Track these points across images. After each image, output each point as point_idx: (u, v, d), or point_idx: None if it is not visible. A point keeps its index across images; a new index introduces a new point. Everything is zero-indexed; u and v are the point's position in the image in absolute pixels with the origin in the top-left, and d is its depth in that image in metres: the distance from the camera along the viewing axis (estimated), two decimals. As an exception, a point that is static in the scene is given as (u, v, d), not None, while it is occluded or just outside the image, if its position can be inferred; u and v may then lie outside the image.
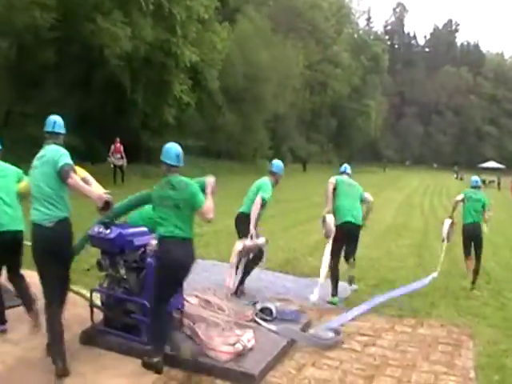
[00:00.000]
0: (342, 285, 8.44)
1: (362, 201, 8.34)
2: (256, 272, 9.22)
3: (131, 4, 24.00)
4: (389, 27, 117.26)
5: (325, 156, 68.13)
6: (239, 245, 7.37)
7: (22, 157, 21.31)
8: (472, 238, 9.53)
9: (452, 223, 9.91)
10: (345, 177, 8.53)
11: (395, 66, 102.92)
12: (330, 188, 8.16)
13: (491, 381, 5.46)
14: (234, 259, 7.40)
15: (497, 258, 12.54)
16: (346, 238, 8.05)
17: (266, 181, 8.36)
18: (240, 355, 5.30)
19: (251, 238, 7.42)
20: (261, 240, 7.66)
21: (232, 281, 7.38)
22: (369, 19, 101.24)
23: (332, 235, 7.87)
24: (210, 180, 5.46)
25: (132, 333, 5.55)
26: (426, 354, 6.01)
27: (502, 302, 8.50)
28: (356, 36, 77.92)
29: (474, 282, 9.31)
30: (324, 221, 7.98)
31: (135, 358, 5.33)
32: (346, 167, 8.81)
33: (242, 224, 7.73)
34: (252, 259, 7.88)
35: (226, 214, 16.54)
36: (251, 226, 7.46)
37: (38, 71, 23.05)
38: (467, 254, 9.62)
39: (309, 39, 59.30)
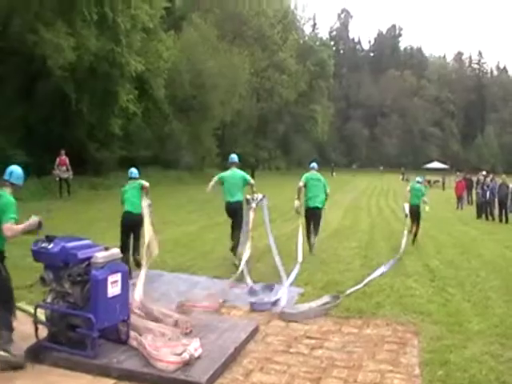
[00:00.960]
0: (291, 290, 8.62)
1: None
2: (204, 280, 9.30)
3: (74, 14, 23.68)
4: (334, 33, 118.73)
5: (273, 162, 68.41)
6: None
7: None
8: (414, 213, 14.82)
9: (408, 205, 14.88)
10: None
11: (341, 71, 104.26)
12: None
13: (436, 376, 5.58)
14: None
15: (440, 256, 12.87)
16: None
17: (240, 171, 11.22)
18: (187, 364, 5.33)
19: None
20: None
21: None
22: (314, 25, 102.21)
23: None
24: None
25: (78, 347, 5.52)
26: (372, 353, 6.14)
27: (445, 298, 8.69)
28: (302, 42, 78.29)
29: (414, 240, 14.49)
30: None
31: (82, 373, 5.32)
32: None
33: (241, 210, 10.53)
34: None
35: (173, 223, 16.65)
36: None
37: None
38: (412, 222, 14.80)
39: (255, 46, 59.44)
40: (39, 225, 5.69)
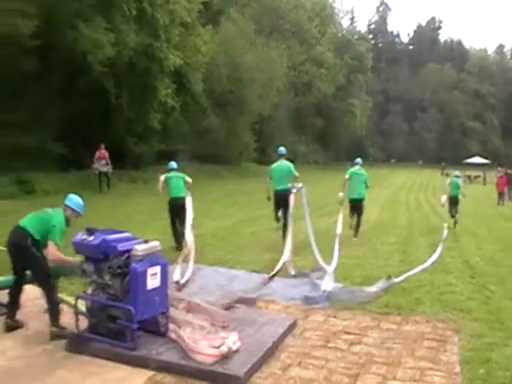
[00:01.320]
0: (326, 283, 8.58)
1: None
2: (242, 274, 9.33)
3: (114, 10, 23.94)
4: (372, 26, 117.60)
5: (311, 156, 68.13)
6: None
7: (8, 165, 21.39)
8: (453, 201, 16.46)
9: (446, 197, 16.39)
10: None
11: (379, 64, 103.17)
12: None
13: (476, 375, 5.47)
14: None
15: (481, 252, 12.60)
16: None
17: (287, 162, 12.34)
18: (225, 357, 5.33)
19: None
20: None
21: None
22: (352, 19, 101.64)
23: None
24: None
25: (117, 338, 5.58)
26: (411, 350, 6.04)
27: (486, 295, 8.51)
28: (340, 35, 77.88)
29: (454, 224, 16.22)
30: None
31: (121, 364, 5.38)
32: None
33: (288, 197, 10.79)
34: None
35: (211, 217, 16.72)
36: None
37: (20, 80, 22.94)
38: (451, 208, 16.53)
39: (293, 40, 59.29)
40: (79, 267, 5.97)
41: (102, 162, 23.43)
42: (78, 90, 25.46)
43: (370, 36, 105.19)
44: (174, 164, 12.19)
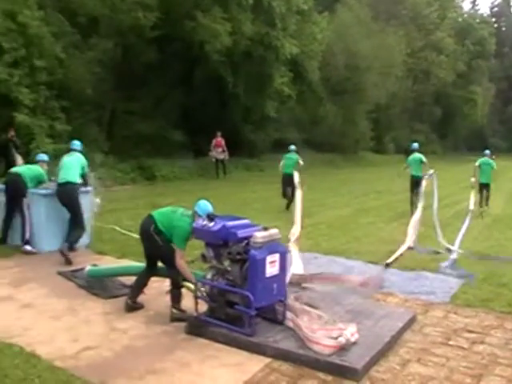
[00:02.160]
0: (446, 279, 8.28)
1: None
2: (359, 264, 9.19)
3: (230, -1, 24.29)
4: (495, 9, 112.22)
5: (429, 146, 66.19)
6: None
7: (130, 152, 22.37)
8: None
9: None
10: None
11: (503, 49, 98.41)
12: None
13: None
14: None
15: None
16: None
17: (419, 154, 15.91)
18: (343, 349, 5.24)
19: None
20: None
21: None
22: (474, 2, 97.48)
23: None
24: None
25: (235, 324, 5.63)
26: (539, 353, 5.71)
27: None
28: (460, 20, 75.02)
29: None
30: None
31: (238, 349, 5.43)
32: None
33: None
34: None
35: (327, 206, 16.64)
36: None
37: (141, 70, 23.79)
38: None
39: (410, 26, 57.75)
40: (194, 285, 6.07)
41: (218, 149, 23.89)
42: (195, 79, 26.08)
43: (493, 19, 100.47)
44: (292, 147, 16.32)
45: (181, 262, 6.08)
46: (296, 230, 9.75)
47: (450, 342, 5.91)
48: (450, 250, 10.21)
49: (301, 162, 15.52)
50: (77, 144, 9.86)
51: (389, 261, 9.17)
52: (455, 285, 8.12)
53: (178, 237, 6.11)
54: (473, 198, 15.14)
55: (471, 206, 14.31)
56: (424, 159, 15.62)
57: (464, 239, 11.13)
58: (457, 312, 6.93)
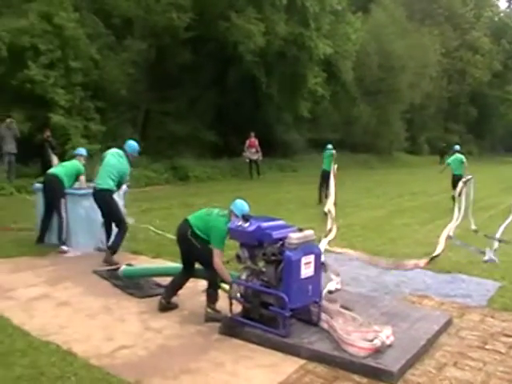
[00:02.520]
0: (486, 283, 8.17)
1: None
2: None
3: (264, 0, 24.28)
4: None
5: (464, 147, 65.23)
6: None
7: (163, 152, 22.59)
8: None
9: None
10: None
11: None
12: None
13: None
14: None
15: None
16: None
17: (460, 155, 17.36)
18: (378, 351, 5.19)
19: None
20: None
21: None
22: (510, 1, 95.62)
23: None
24: None
25: (269, 325, 5.61)
26: None
27: None
28: (496, 19, 73.92)
29: None
30: None
31: (273, 350, 5.41)
32: None
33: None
34: None
35: (361, 207, 16.53)
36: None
37: (175, 71, 23.96)
38: None
39: (446, 25, 57.19)
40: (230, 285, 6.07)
41: (252, 149, 23.94)
42: (229, 79, 26.17)
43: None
44: (329, 145, 17.72)
45: (218, 261, 6.06)
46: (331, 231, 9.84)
47: (487, 346, 5.80)
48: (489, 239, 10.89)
49: (335, 154, 17.38)
50: (130, 145, 9.24)
51: (431, 256, 9.44)
52: (492, 288, 7.98)
53: (215, 237, 6.10)
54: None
55: None
56: (464, 160, 17.10)
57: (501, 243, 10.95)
58: (494, 316, 6.80)
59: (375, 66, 38.55)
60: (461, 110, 62.40)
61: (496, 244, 10.42)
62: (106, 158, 9.02)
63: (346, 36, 31.46)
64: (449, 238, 10.53)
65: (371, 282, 8.01)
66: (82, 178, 9.86)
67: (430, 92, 48.92)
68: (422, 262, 9.18)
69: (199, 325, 6.12)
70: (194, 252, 6.31)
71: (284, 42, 25.54)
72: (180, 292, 6.68)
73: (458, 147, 18.51)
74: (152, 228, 11.42)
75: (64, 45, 18.90)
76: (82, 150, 10.38)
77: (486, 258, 9.53)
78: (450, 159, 17.86)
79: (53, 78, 18.26)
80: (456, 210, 11.60)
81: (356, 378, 4.92)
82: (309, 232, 5.83)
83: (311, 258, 5.66)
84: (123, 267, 7.65)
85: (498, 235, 11.16)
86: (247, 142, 24.03)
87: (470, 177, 12.54)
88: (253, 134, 24.04)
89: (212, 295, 6.25)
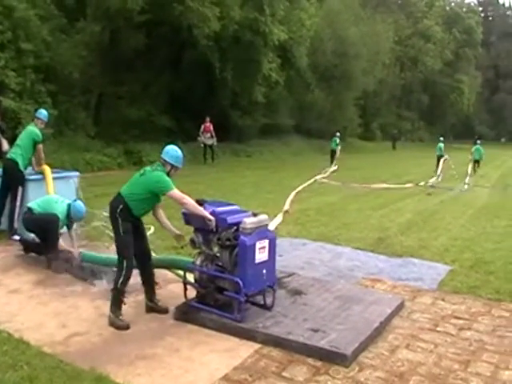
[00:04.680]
0: (434, 265, 8.39)
1: None
2: (348, 251, 9.21)
3: (220, -17, 24.09)
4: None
5: (416, 133, 66.51)
6: None
7: (116, 136, 22.29)
8: None
9: None
10: None
11: (490, 39, 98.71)
12: None
13: None
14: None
15: None
16: None
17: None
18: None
19: None
20: None
21: None
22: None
23: None
24: None
25: (225, 310, 5.63)
26: (525, 340, 5.74)
27: None
28: (448, 9, 75.19)
29: None
30: None
31: (228, 335, 5.42)
32: None
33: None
34: None
35: (316, 192, 16.66)
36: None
37: (129, 54, 23.62)
38: None
39: (399, 13, 57.97)
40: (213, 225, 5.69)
41: (206, 134, 23.85)
42: (183, 63, 25.94)
43: (480, 9, 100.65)
44: (337, 133, 24.48)
45: (181, 196, 5.66)
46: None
47: (438, 329, 5.93)
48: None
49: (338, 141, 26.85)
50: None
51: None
52: (443, 271, 8.17)
53: (161, 183, 5.66)
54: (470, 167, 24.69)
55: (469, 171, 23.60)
56: (442, 146, 27.91)
57: (451, 227, 11.21)
58: (444, 299, 6.96)
59: (329, 52, 38.78)
60: (413, 98, 63.47)
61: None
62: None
63: (301, 22, 31.44)
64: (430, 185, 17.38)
65: (325, 267, 8.10)
66: (40, 147, 9.24)
67: (383, 79, 49.57)
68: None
69: (153, 311, 6.07)
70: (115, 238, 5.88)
71: (239, 26, 25.39)
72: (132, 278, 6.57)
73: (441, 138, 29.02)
74: (105, 214, 11.25)
75: (15, 26, 18.36)
76: (42, 113, 9.50)
77: (456, 190, 11.42)
78: (438, 145, 28.16)
79: (3, 60, 17.74)
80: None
81: (310, 361, 4.97)
82: (263, 217, 5.84)
83: (266, 242, 5.67)
84: (81, 251, 7.51)
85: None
86: (202, 126, 23.91)
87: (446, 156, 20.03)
88: (208, 119, 23.93)
89: (114, 297, 5.76)
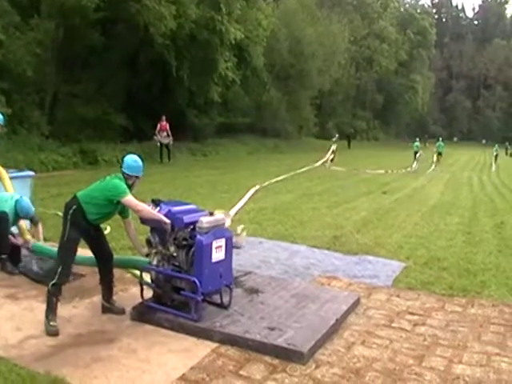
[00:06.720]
0: (389, 263, 8.51)
1: None
2: (303, 249, 9.27)
3: (176, -18, 23.97)
4: (436, 0, 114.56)
5: (371, 133, 67.32)
6: None
7: (71, 136, 21.93)
8: None
9: None
10: None
11: (443, 40, 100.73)
12: None
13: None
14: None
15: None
16: None
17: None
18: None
19: None
20: None
21: None
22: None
23: None
24: None
25: (182, 309, 5.61)
26: (477, 334, 5.85)
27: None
28: (402, 10, 76.34)
29: None
30: None
31: (185, 335, 5.40)
32: None
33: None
34: None
35: (272, 191, 16.72)
36: None
37: (84, 52, 23.32)
38: None
39: (354, 14, 58.54)
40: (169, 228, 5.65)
41: (163, 133, 23.69)
42: (139, 62, 25.74)
43: (434, 10, 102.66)
44: (336, 135, 28.36)
45: (137, 203, 5.58)
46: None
47: (393, 325, 6.02)
48: None
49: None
50: None
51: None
52: (397, 268, 8.30)
53: (116, 189, 5.56)
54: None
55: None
56: (418, 144, 37.06)
57: (405, 225, 11.45)
58: (399, 295, 7.07)
59: (285, 51, 38.97)
60: (368, 97, 64.23)
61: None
62: None
63: (257, 22, 31.59)
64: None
65: (281, 265, 8.13)
66: None
67: (339, 79, 50.03)
68: None
69: (110, 312, 6.01)
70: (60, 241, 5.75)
71: (195, 25, 25.32)
72: (86, 279, 6.50)
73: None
74: (60, 214, 11.10)
75: (-35, 22, 18.00)
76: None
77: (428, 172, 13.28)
78: (415, 144, 36.71)
79: (-46, 58, 17.37)
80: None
81: (267, 359, 4.98)
82: (220, 216, 5.85)
83: (222, 241, 5.67)
84: (33, 241, 7.35)
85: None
86: (158, 125, 23.73)
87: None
88: (164, 118, 23.77)
89: (48, 301, 5.60)
